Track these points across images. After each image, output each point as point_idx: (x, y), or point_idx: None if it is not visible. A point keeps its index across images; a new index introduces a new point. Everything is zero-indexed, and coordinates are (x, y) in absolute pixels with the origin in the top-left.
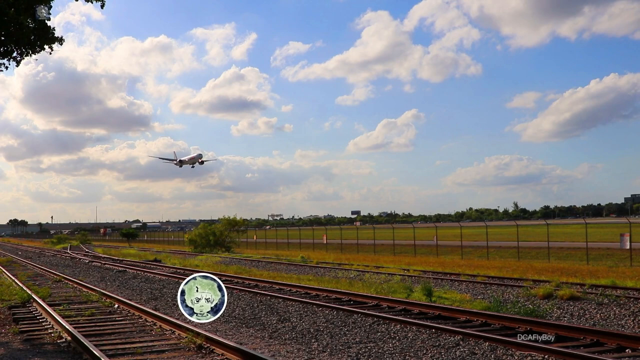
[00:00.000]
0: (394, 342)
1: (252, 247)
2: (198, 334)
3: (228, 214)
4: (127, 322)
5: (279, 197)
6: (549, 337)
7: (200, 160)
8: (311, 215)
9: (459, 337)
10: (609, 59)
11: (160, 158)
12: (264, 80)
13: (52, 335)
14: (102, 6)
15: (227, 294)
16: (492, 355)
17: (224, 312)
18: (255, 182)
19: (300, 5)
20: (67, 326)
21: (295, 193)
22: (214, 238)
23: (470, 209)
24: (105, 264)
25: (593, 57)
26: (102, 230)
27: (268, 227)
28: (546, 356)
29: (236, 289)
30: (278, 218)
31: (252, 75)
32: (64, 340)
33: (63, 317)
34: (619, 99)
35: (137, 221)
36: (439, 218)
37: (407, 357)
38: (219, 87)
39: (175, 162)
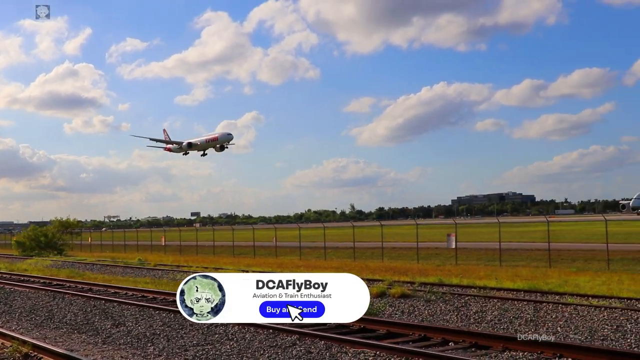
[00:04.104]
0: (231, 343)
1: (87, 249)
2: (24, 342)
3: (61, 215)
4: None
5: (116, 198)
6: (380, 334)
7: (223, 145)
8: (149, 217)
9: (295, 337)
10: (437, 68)
11: (151, 139)
12: (100, 77)
13: None
14: None
15: (59, 299)
16: (327, 354)
17: (54, 318)
18: (90, 183)
19: (138, 1)
20: None
21: (133, 194)
22: (45, 240)
23: (309, 210)
24: None
25: (423, 66)
26: None
27: (104, 229)
28: (378, 352)
29: (68, 293)
30: (115, 220)
31: (87, 71)
32: None
33: None
34: (447, 106)
35: None
36: (278, 219)
37: (244, 358)
38: (50, 82)
39: (175, 146)
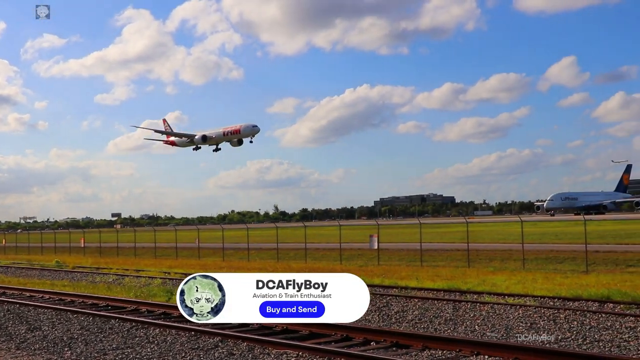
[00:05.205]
0: (152, 346)
1: (1, 252)
2: None
3: None
4: None
5: (33, 198)
6: (303, 335)
7: (244, 139)
8: (68, 218)
9: (217, 339)
10: (360, 70)
11: (156, 131)
12: (15, 74)
13: None
14: None
15: None
16: (250, 355)
17: None
18: (5, 183)
19: None
20: None
21: (51, 194)
22: None
23: (233, 211)
24: None
25: (347, 68)
26: None
27: (20, 230)
28: (300, 352)
29: None
30: (31, 221)
31: (1, 67)
32: None
33: None
34: (370, 108)
35: None
36: (201, 220)
37: None
38: None
39: (184, 139)
